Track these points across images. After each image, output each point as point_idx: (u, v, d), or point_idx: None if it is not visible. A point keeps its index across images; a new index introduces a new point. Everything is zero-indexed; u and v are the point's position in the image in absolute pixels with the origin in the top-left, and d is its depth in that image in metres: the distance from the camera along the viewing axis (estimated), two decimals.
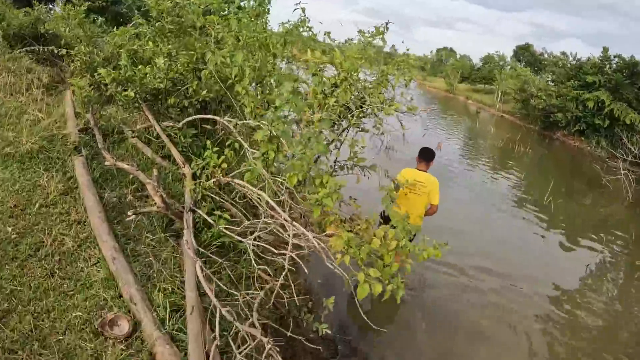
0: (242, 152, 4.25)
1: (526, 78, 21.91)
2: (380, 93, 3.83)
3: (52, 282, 2.57)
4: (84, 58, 5.32)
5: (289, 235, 3.02)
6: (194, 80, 4.72)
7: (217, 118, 4.22)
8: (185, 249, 2.82)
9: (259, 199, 3.02)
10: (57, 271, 2.65)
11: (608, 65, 18.89)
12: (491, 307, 4.91)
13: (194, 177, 4.22)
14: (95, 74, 4.76)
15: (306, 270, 2.95)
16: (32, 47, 7.01)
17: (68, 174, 3.61)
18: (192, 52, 4.65)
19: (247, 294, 2.75)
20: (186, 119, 4.55)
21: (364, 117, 3.81)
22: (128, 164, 3.74)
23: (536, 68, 30.99)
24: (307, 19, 4.28)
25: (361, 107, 3.77)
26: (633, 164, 13.34)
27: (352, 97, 3.61)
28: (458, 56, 40.80)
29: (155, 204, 3.22)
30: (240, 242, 3.20)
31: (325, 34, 4.35)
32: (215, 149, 3.97)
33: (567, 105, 18.78)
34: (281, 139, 2.76)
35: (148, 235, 3.26)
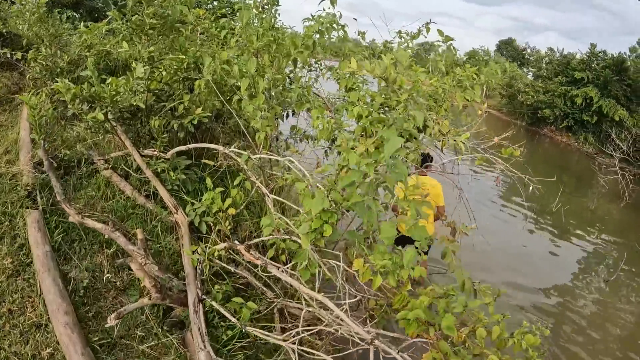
0: (254, 190, 3.26)
1: (514, 74, 21.56)
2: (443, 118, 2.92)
3: None
4: (45, 62, 4.10)
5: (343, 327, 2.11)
6: (185, 93, 3.63)
7: (221, 148, 3.18)
8: None
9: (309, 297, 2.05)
10: None
11: (595, 62, 18.74)
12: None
13: (191, 226, 3.20)
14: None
15: None
16: None
17: (18, 240, 2.50)
18: (183, 57, 3.54)
19: None
20: (176, 148, 3.47)
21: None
22: (101, 220, 2.68)
23: (519, 63, 30.80)
24: (337, 15, 3.26)
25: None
26: (621, 160, 13.18)
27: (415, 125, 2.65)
28: (440, 50, 40.27)
29: (146, 289, 2.21)
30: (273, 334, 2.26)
31: (359, 35, 3.37)
32: (219, 189, 2.97)
33: (555, 101, 18.53)
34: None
35: (139, 332, 2.25)
